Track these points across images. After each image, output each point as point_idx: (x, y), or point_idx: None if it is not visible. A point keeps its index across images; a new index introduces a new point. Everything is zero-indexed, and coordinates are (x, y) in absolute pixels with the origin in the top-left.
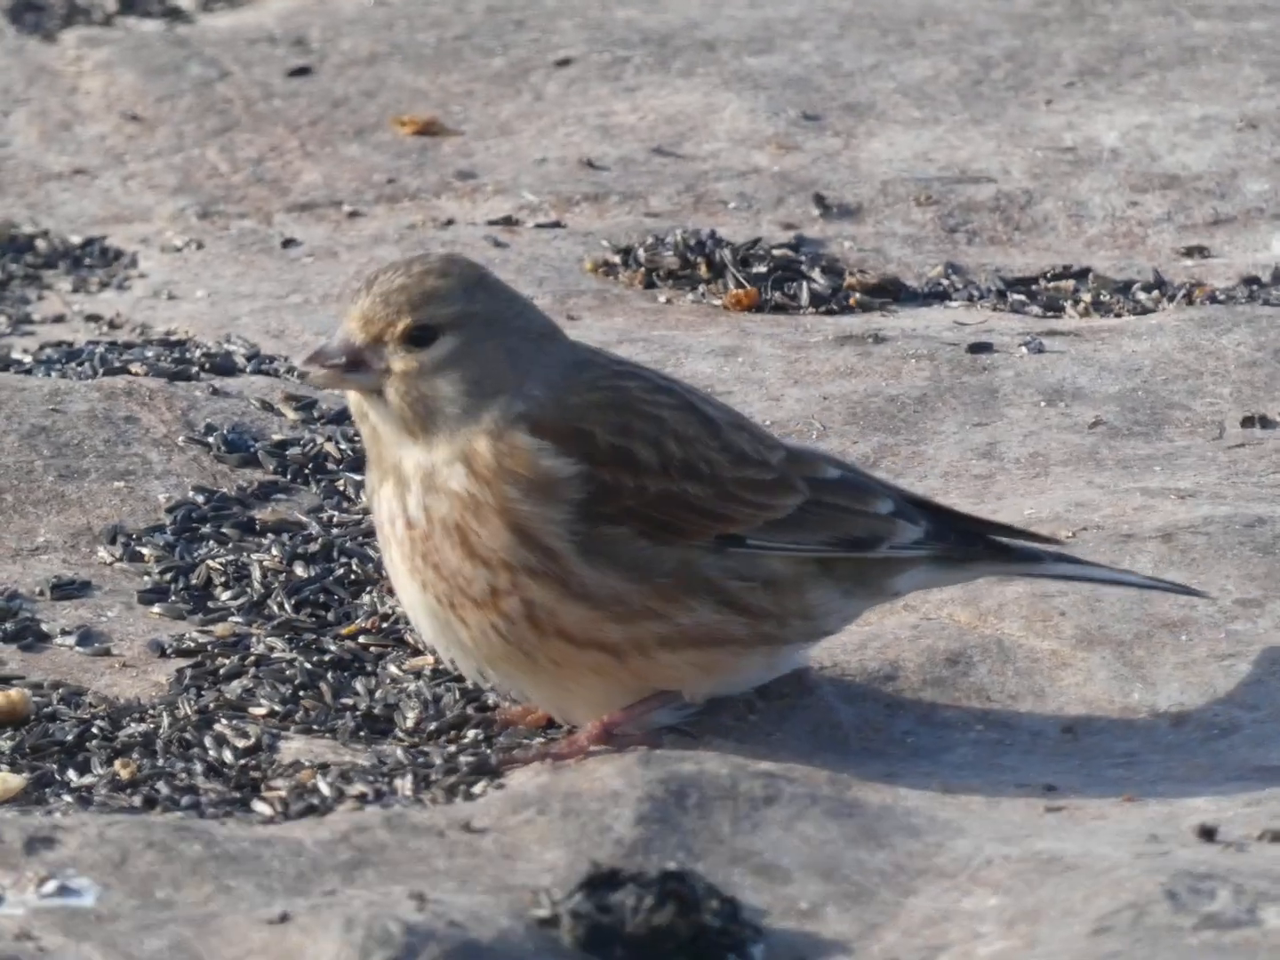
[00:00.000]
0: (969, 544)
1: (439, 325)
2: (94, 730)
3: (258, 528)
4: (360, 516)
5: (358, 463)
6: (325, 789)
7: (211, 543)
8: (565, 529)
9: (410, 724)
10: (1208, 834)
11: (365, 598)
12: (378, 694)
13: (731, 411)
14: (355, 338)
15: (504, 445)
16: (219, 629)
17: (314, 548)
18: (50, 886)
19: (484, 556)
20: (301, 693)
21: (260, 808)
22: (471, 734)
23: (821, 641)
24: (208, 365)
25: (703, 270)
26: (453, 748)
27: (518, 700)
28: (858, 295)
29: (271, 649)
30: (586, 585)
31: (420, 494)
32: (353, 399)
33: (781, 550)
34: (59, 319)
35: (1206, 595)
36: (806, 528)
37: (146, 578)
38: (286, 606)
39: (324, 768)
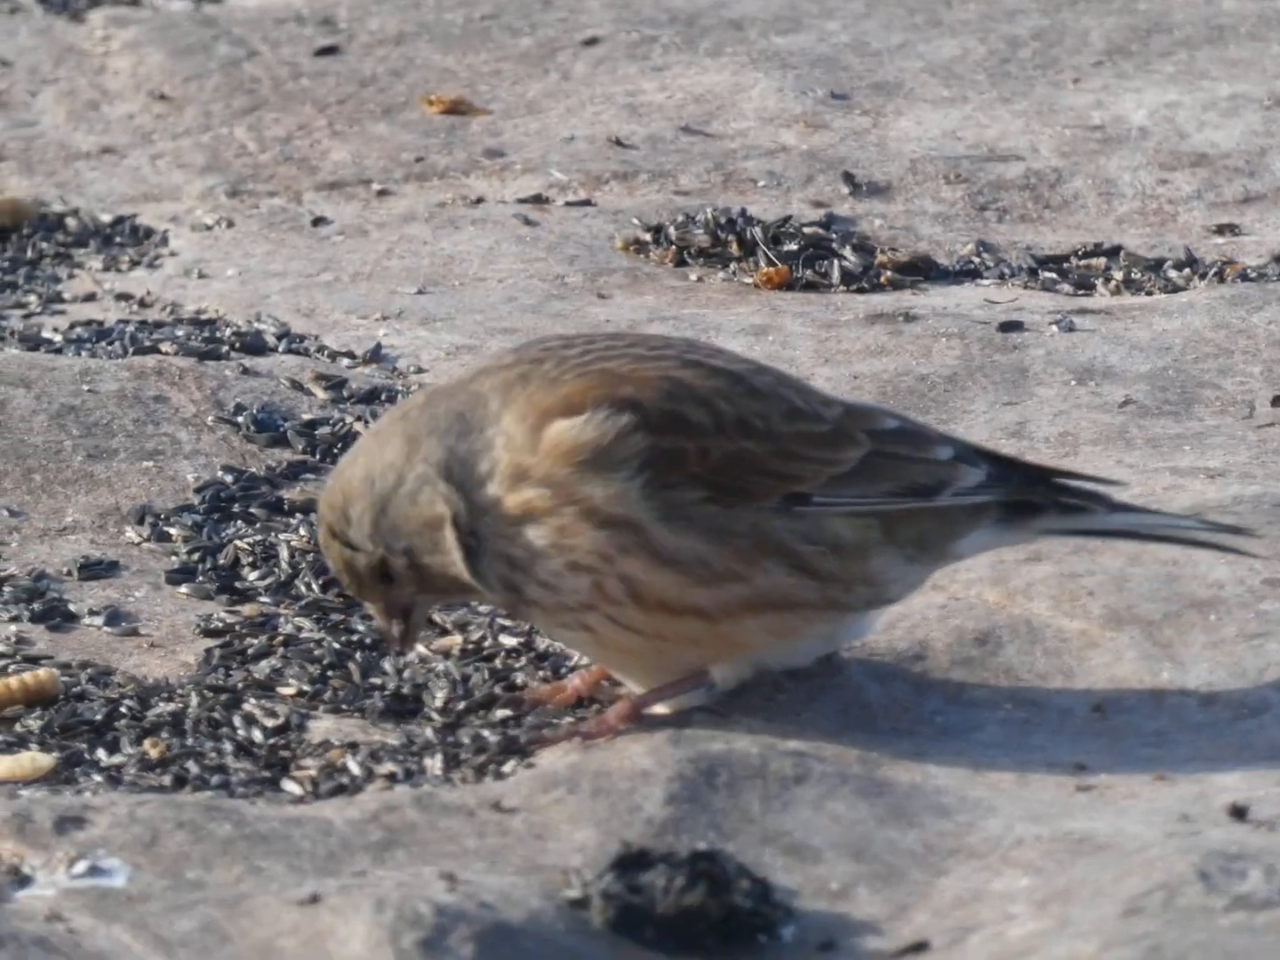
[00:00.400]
0: (1032, 484)
1: (376, 566)
2: (123, 710)
3: (286, 508)
4: None
5: None
6: (355, 768)
7: (240, 522)
8: (641, 496)
9: (439, 703)
10: (1239, 813)
11: None
12: (406, 674)
13: (751, 362)
14: (376, 609)
15: (542, 443)
16: (247, 609)
17: None
18: (81, 867)
19: (586, 565)
20: (330, 672)
21: (290, 787)
22: (500, 713)
23: (884, 611)
24: (238, 344)
25: (734, 248)
26: (482, 727)
27: (548, 680)
28: (888, 273)
29: (299, 629)
30: (672, 551)
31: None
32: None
33: (847, 504)
34: (89, 298)
35: (1257, 535)
36: (871, 479)
37: (174, 558)
38: (314, 586)
39: (353, 747)
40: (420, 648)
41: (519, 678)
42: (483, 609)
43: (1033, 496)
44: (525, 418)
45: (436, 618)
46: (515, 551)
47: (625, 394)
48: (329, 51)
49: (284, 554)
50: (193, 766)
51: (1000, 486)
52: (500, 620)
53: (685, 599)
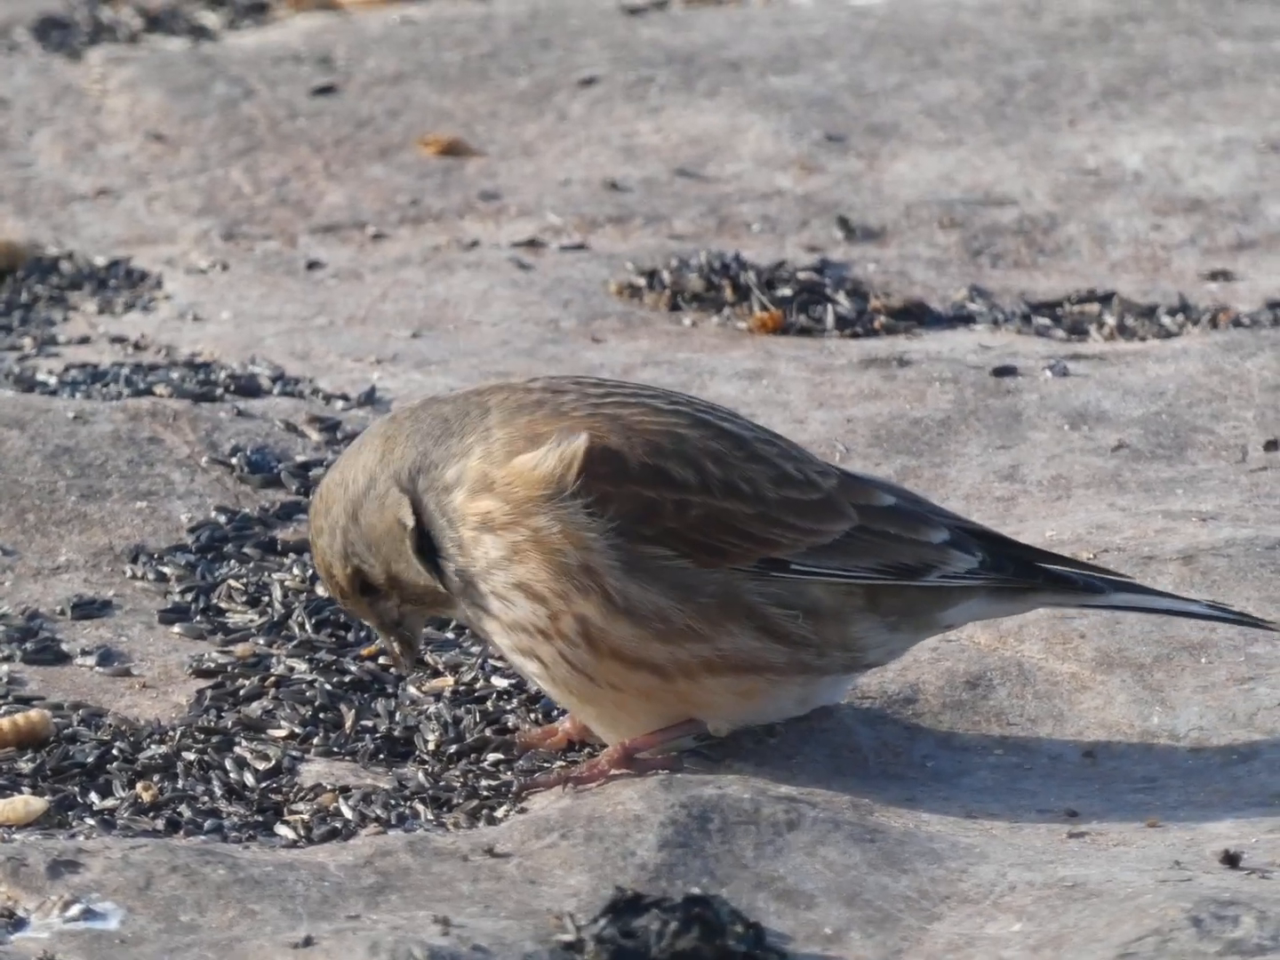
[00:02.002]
0: (1028, 575)
1: (352, 576)
2: (114, 752)
3: (279, 548)
4: None
5: None
6: (348, 812)
7: (233, 562)
8: (603, 542)
9: (431, 746)
10: (1231, 860)
11: None
12: (398, 716)
13: (762, 429)
14: (368, 618)
15: (503, 473)
16: (239, 649)
17: None
18: (74, 910)
19: (539, 593)
20: (322, 714)
21: (283, 831)
22: (492, 757)
23: (863, 675)
24: (232, 387)
25: (728, 293)
26: (474, 771)
27: (540, 723)
28: (882, 318)
29: (292, 669)
30: (630, 600)
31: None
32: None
33: (826, 576)
34: (84, 340)
35: (1274, 626)
36: (853, 554)
37: (167, 597)
38: (307, 627)
39: (345, 790)
40: (412, 689)
41: (510, 720)
42: (474, 649)
43: (1025, 589)
44: (518, 440)
45: (429, 659)
46: (471, 562)
47: (614, 444)
48: (326, 91)
49: (277, 594)
50: (185, 810)
51: (991, 574)
52: (492, 662)
53: (640, 652)
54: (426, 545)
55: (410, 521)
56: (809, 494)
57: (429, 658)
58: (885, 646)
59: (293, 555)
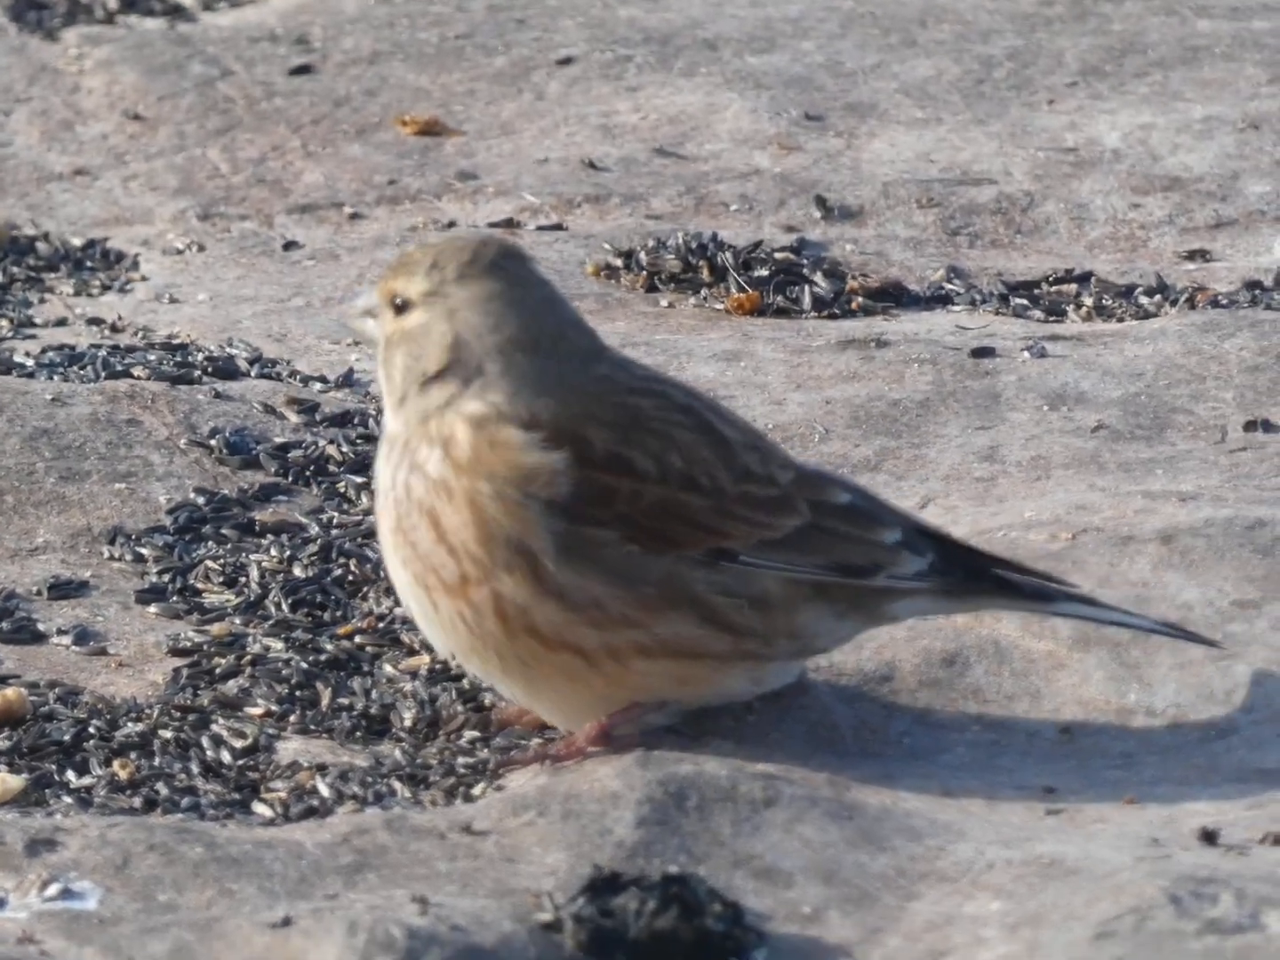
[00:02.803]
0: (976, 579)
1: (408, 299)
2: (91, 730)
3: (257, 529)
4: (360, 518)
5: (359, 465)
6: (325, 790)
7: (210, 543)
8: (544, 527)
9: (407, 724)
10: (1209, 837)
11: (363, 598)
12: (374, 694)
13: (751, 431)
14: (373, 294)
15: (485, 436)
16: (215, 628)
17: (313, 548)
18: (53, 890)
19: (452, 544)
20: (298, 692)
21: (260, 809)
22: (469, 734)
23: (813, 658)
24: (210, 369)
25: (705, 274)
26: (450, 749)
27: (512, 700)
28: (860, 299)
29: (268, 649)
30: (563, 587)
31: (405, 469)
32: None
33: (774, 569)
34: (61, 322)
35: (1219, 645)
36: (802, 550)
37: (145, 578)
38: (284, 606)
39: (322, 768)
40: (388, 668)
41: (487, 698)
42: None
43: (970, 593)
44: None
45: (404, 638)
46: (421, 458)
47: (581, 431)
48: (303, 71)
49: (254, 574)
50: (162, 788)
51: (940, 578)
52: None
53: (565, 635)
54: (436, 378)
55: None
56: (767, 489)
57: (404, 637)
58: (833, 634)
59: (270, 536)
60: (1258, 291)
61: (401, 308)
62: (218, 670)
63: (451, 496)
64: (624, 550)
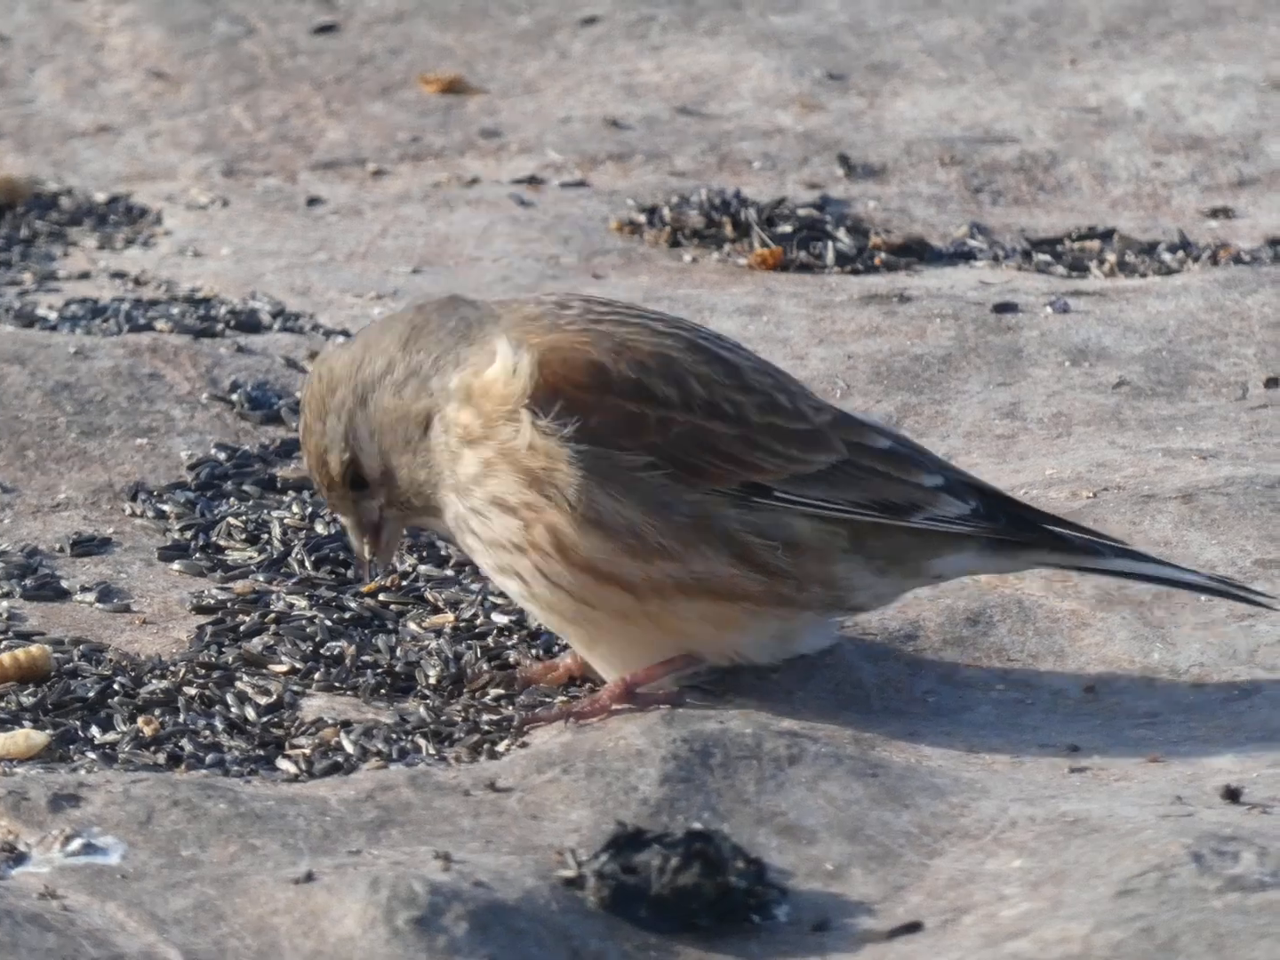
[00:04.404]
0: (1022, 529)
1: (344, 466)
2: (115, 687)
3: (279, 485)
4: None
5: None
6: (349, 747)
7: (233, 499)
8: (572, 453)
9: (432, 681)
10: (1232, 795)
11: None
12: (398, 651)
13: (759, 359)
14: (348, 522)
15: (477, 390)
16: (239, 586)
17: None
18: (75, 845)
19: (511, 505)
20: (322, 650)
21: (284, 766)
22: (493, 692)
23: (850, 617)
24: (233, 323)
25: (728, 230)
26: (475, 706)
27: (540, 658)
28: (883, 255)
29: (292, 606)
30: (601, 513)
31: (467, 512)
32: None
33: (808, 505)
34: (84, 276)
35: (1273, 606)
36: (837, 485)
37: (167, 534)
38: (307, 564)
39: (346, 725)
40: (413, 625)
41: (511, 656)
42: (474, 586)
43: (1022, 545)
44: (509, 342)
45: (429, 595)
46: (455, 474)
47: (598, 355)
48: (327, 29)
49: (277, 531)
50: (187, 744)
51: (984, 523)
52: (492, 598)
53: (611, 567)
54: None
55: (432, 409)
56: (796, 424)
57: (429, 594)
58: (871, 590)
59: (292, 493)
60: (1279, 249)
61: (355, 481)
62: (241, 628)
63: (493, 468)
64: (655, 479)
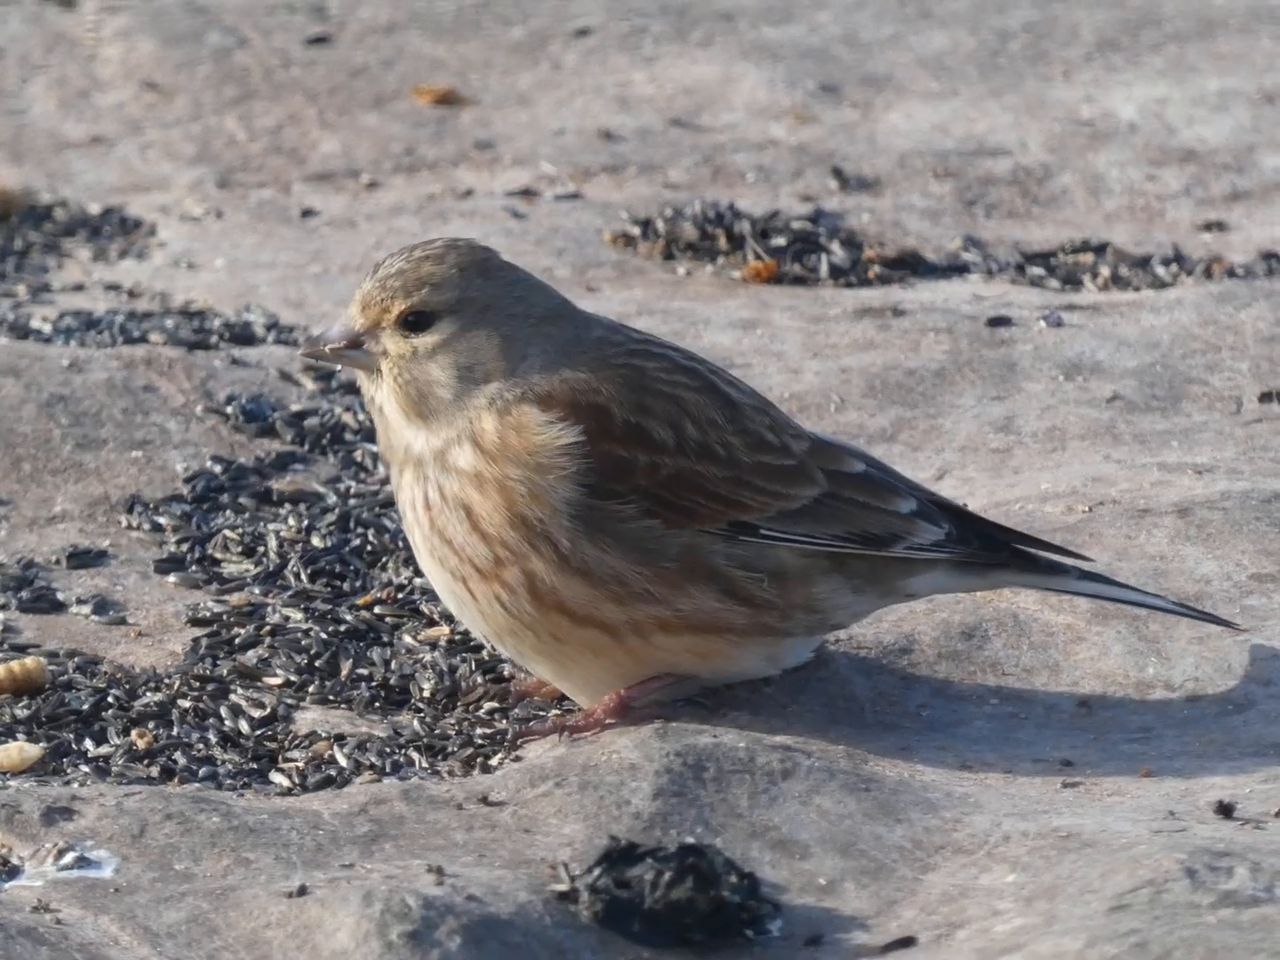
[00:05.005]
0: (992, 550)
1: (433, 311)
2: (110, 699)
3: (275, 498)
4: (377, 487)
5: (374, 434)
6: (343, 760)
7: (228, 512)
8: (565, 504)
9: (426, 694)
10: (1225, 811)
11: (382, 568)
12: (393, 664)
13: (758, 396)
14: (355, 323)
15: (511, 420)
16: (234, 598)
17: (331, 518)
18: (69, 858)
19: (485, 532)
20: (317, 662)
21: (278, 779)
22: (487, 705)
23: (829, 635)
24: (227, 335)
25: (722, 242)
26: (469, 719)
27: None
28: (876, 268)
29: (287, 619)
30: (587, 562)
31: (436, 476)
32: (363, 386)
33: (794, 542)
34: (78, 288)
35: (1237, 626)
36: (821, 521)
37: (163, 547)
38: (302, 576)
39: (340, 739)
40: (408, 638)
41: (506, 669)
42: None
43: (989, 560)
44: (544, 391)
45: (424, 609)
46: (452, 459)
47: (599, 400)
48: (320, 41)
49: (272, 544)
50: (180, 758)
51: (957, 548)
52: None
53: (590, 610)
54: (484, 379)
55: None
56: (782, 460)
57: (424, 607)
58: (849, 609)
59: (288, 505)
60: (1274, 262)
61: (417, 324)
62: (237, 640)
63: (483, 485)
64: (643, 524)
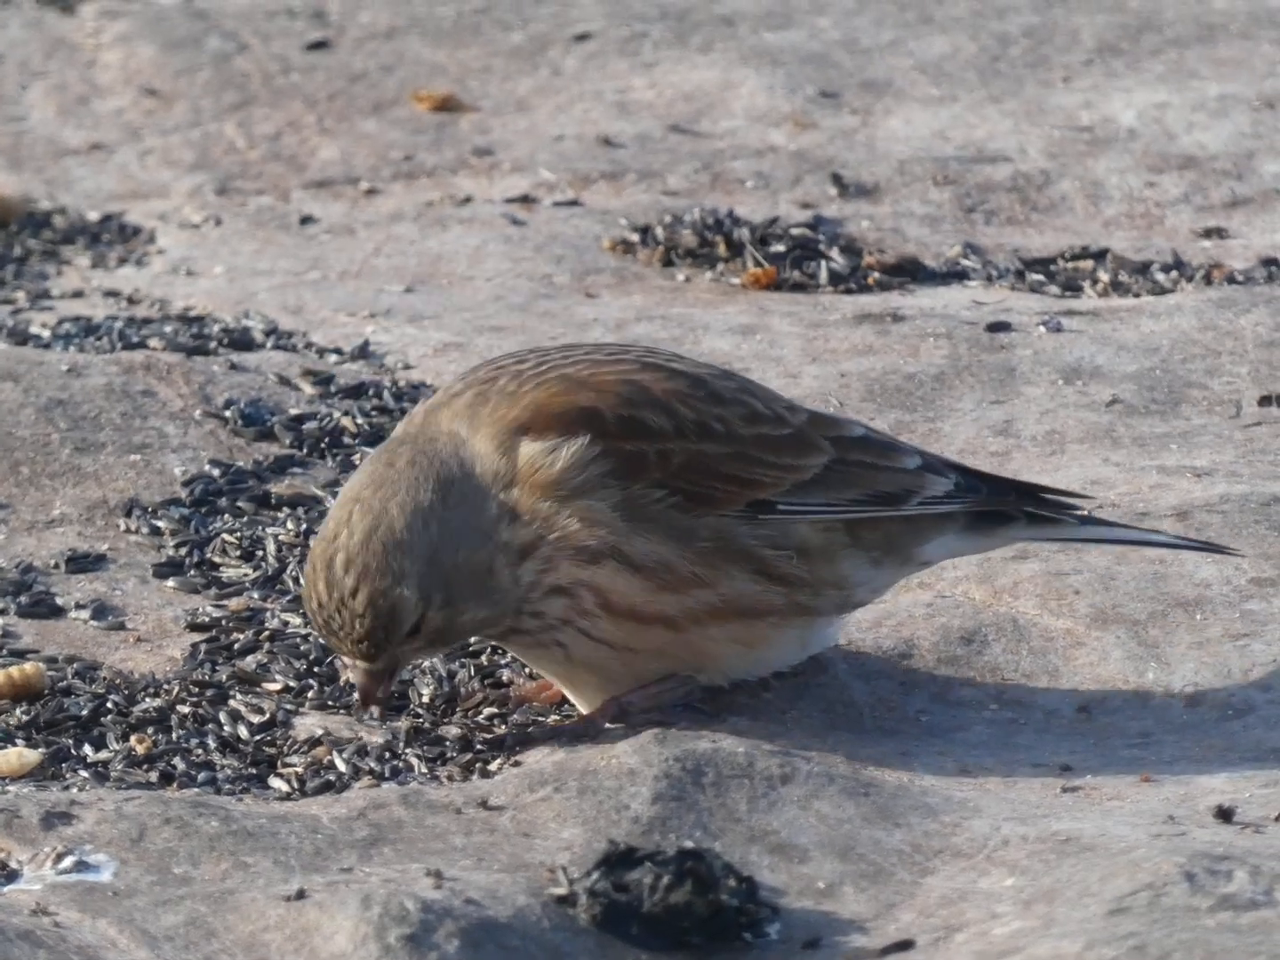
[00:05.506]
0: (1003, 493)
1: (405, 617)
2: (109, 705)
3: (273, 501)
4: None
5: (373, 437)
6: (341, 765)
7: (227, 516)
8: (613, 510)
9: (425, 700)
10: (1225, 815)
11: None
12: None
13: (736, 377)
14: (371, 670)
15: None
16: (233, 603)
17: None
18: (67, 862)
19: (566, 589)
20: (316, 668)
21: (277, 784)
22: (486, 711)
23: (851, 615)
24: (226, 340)
25: (721, 249)
26: (468, 724)
27: (534, 677)
28: (876, 274)
29: (286, 624)
30: (638, 554)
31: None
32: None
33: (813, 512)
34: (77, 294)
35: (1237, 552)
36: (835, 487)
37: (162, 551)
38: (301, 581)
39: (339, 743)
40: None
41: (504, 674)
42: None
43: (1001, 507)
44: (493, 438)
45: None
46: (520, 587)
47: (585, 401)
48: (320, 46)
49: (271, 548)
50: (179, 763)
51: (968, 496)
52: None
53: (652, 606)
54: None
55: (498, 560)
56: (780, 429)
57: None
58: (870, 584)
59: (286, 510)
60: (1273, 268)
61: (415, 630)
62: (236, 645)
63: (549, 562)
64: (673, 513)
